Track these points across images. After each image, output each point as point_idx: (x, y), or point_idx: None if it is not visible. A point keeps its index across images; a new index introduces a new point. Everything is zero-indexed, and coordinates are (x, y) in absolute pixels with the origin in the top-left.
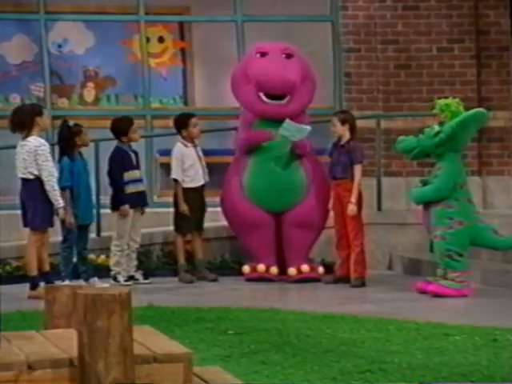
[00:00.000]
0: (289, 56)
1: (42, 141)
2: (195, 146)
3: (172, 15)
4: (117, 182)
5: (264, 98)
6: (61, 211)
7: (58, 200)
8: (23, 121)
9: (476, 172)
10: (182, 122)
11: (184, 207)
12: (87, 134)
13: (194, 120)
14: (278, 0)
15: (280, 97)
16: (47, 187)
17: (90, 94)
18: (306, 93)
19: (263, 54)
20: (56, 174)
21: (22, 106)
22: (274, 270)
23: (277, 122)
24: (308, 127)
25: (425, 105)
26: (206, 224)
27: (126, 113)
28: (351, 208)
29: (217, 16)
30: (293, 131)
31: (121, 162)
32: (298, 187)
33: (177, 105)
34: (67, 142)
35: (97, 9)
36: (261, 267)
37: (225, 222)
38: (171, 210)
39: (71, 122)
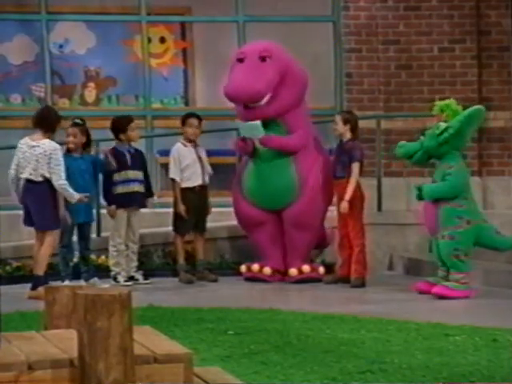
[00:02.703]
0: (264, 59)
1: (57, 145)
2: (195, 146)
3: (173, 15)
4: (105, 183)
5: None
6: (80, 197)
7: (73, 195)
8: (52, 122)
9: (476, 172)
10: (182, 120)
11: (181, 207)
12: (87, 133)
13: (190, 120)
14: (280, 0)
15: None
16: (60, 190)
17: (90, 94)
18: (286, 93)
19: (240, 60)
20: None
21: (51, 107)
22: (267, 270)
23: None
24: (256, 122)
25: (426, 105)
26: (207, 224)
27: (127, 113)
28: (343, 206)
29: (218, 16)
30: (248, 130)
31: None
32: (287, 187)
33: (178, 105)
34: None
35: (98, 9)
36: (255, 267)
37: (225, 222)
38: (171, 210)
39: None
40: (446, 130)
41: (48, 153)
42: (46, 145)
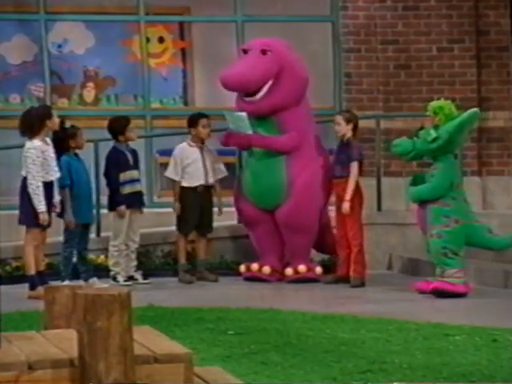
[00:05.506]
0: (265, 52)
1: (36, 144)
2: (201, 147)
3: (172, 15)
4: (113, 183)
5: (241, 95)
6: (41, 216)
7: (38, 205)
8: (33, 124)
9: (476, 172)
10: (192, 121)
11: (176, 205)
12: (82, 136)
13: (204, 120)
14: (279, 0)
15: (251, 94)
16: (29, 190)
17: (89, 94)
18: (283, 88)
19: (244, 51)
20: (54, 177)
21: (31, 109)
22: (267, 269)
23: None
24: (242, 113)
25: (425, 105)
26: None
27: (126, 113)
28: (345, 206)
29: (217, 16)
30: (235, 121)
31: (116, 163)
32: (277, 187)
33: (177, 105)
34: (61, 143)
35: (97, 9)
36: (254, 266)
37: (225, 222)
38: (171, 210)
39: (68, 124)
40: (436, 139)
41: (25, 150)
42: (28, 143)
